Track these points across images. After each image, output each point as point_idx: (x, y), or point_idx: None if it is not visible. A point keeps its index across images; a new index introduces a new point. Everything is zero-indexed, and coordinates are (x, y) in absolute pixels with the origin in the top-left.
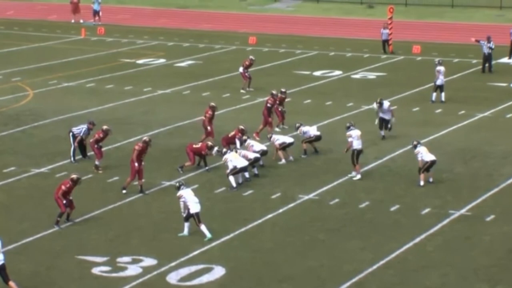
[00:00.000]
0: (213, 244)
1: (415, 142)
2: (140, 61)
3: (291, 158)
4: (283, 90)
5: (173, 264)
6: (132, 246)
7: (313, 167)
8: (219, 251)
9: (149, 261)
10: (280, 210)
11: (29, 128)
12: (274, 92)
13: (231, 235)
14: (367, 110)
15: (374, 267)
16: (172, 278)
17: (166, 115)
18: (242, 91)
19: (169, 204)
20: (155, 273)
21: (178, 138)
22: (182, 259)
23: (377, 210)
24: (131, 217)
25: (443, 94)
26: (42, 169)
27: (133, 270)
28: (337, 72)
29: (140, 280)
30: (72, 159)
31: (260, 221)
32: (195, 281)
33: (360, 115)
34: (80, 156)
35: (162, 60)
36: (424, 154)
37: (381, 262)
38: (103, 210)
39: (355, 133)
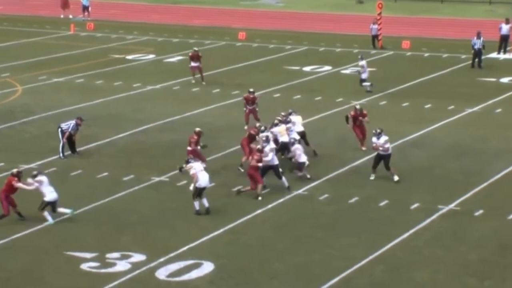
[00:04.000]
0: (203, 239)
1: (378, 130)
2: (130, 57)
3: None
4: (251, 90)
5: (162, 259)
6: (121, 242)
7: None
8: (208, 247)
9: (138, 257)
10: (270, 206)
11: (19, 124)
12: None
13: (221, 230)
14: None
15: (364, 262)
16: (161, 273)
17: (156, 111)
18: (193, 81)
19: (158, 200)
20: (144, 268)
21: (168, 134)
22: (171, 254)
23: (367, 206)
24: (120, 213)
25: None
26: (31, 165)
27: (122, 266)
28: (327, 68)
29: (129, 276)
30: (61, 155)
31: (249, 216)
32: (184, 277)
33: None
34: (69, 152)
35: (152, 56)
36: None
37: (371, 258)
38: (92, 206)
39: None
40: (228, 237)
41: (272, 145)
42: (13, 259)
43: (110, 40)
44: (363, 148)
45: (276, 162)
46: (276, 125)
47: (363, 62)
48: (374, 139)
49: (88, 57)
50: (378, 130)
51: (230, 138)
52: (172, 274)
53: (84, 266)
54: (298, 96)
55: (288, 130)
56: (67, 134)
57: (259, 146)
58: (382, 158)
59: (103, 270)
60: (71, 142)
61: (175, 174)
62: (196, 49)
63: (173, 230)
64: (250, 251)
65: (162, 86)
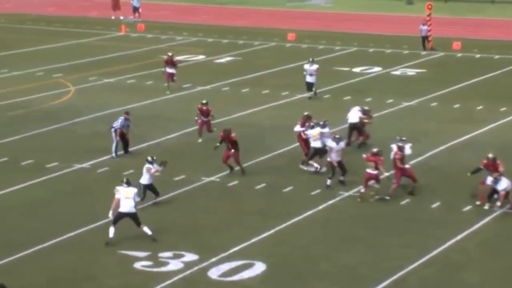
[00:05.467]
0: (253, 240)
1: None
2: (180, 58)
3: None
4: (204, 101)
5: (214, 259)
6: (173, 241)
7: (353, 164)
8: (259, 247)
9: (190, 256)
10: (320, 207)
11: (70, 124)
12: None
13: (271, 231)
14: (407, 106)
15: (415, 264)
16: (213, 273)
17: None
18: (167, 92)
19: (209, 200)
20: (196, 268)
21: (216, 134)
22: (223, 254)
23: (418, 207)
24: (172, 213)
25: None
26: (84, 165)
27: (174, 265)
28: (377, 69)
29: (182, 275)
30: (114, 154)
31: (300, 217)
32: (236, 277)
33: (399, 111)
34: (122, 152)
35: (201, 57)
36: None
37: (422, 260)
38: (145, 205)
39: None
40: (278, 237)
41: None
42: (65, 258)
43: (160, 41)
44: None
45: None
46: (312, 127)
47: (316, 66)
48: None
49: (138, 58)
50: (404, 138)
51: (277, 139)
52: (224, 274)
53: (137, 265)
54: (348, 97)
55: (322, 135)
56: (119, 131)
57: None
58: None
59: (156, 269)
60: (124, 141)
61: (225, 175)
62: (170, 54)
63: (224, 230)
64: (299, 251)
65: (211, 87)
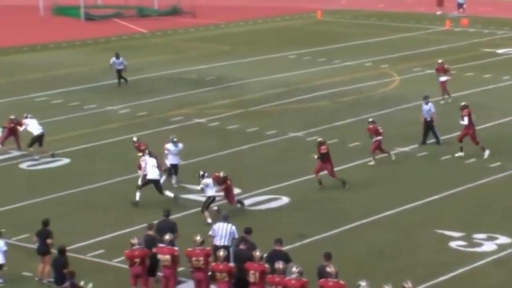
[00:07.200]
0: None
1: None
2: (500, 51)
3: None
4: (370, 120)
5: None
6: (487, 224)
7: None
8: None
9: (503, 239)
10: None
11: (394, 111)
12: None
13: None
14: None
15: None
16: None
17: None
18: (441, 102)
19: None
20: (509, 251)
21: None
22: None
23: None
24: (489, 197)
25: None
26: (404, 149)
27: (488, 246)
28: None
29: (495, 256)
30: (423, 140)
31: None
32: None
33: None
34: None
35: None
36: None
37: None
38: (460, 189)
39: None
40: None
41: None
42: (385, 234)
43: (481, 35)
44: None
45: None
46: None
47: None
48: None
49: (460, 51)
50: None
51: None
52: None
53: (452, 244)
54: None
55: None
56: (423, 118)
57: None
58: None
59: (470, 249)
60: (431, 129)
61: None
62: (440, 61)
63: None
64: None
65: None
